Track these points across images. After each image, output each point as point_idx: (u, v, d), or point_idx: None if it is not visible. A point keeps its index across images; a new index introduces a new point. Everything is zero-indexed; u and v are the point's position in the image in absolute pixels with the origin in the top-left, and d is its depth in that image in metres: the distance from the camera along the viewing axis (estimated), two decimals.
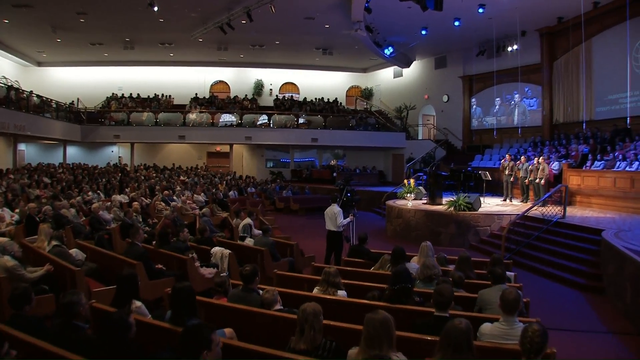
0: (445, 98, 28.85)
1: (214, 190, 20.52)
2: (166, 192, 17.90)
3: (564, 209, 12.05)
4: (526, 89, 24.11)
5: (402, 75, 32.25)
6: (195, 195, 19.10)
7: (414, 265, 6.75)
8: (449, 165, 21.30)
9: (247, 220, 11.57)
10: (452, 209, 13.44)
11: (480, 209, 13.74)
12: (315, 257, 9.92)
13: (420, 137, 30.90)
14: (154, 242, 8.46)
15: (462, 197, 13.55)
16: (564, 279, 9.55)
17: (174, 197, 17.59)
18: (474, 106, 27.26)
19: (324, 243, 9.78)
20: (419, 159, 27.02)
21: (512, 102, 24.92)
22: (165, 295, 5.22)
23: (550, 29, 21.69)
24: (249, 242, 9.41)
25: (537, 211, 11.98)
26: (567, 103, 21.30)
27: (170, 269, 7.62)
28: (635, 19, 17.92)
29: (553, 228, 11.63)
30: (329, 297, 5.18)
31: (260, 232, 11.95)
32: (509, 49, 23.66)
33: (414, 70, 31.09)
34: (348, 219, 9.41)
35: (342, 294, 5.30)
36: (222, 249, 8.20)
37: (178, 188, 19.80)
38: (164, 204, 15.99)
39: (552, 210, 12.00)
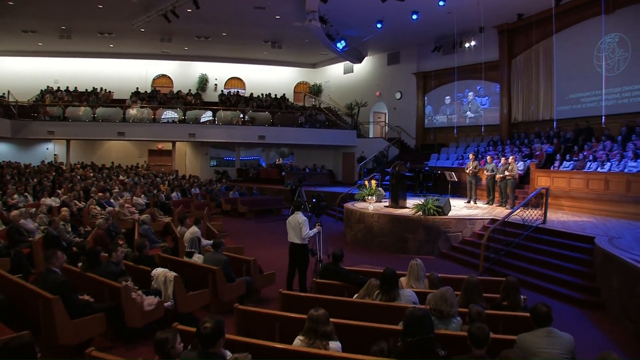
0: (398, 95, 27.92)
1: (155, 192, 18.73)
2: (101, 194, 16.01)
3: (545, 214, 11.08)
4: (478, 87, 23.47)
5: (352, 72, 31.25)
6: (134, 197, 17.29)
7: (407, 292, 5.44)
8: (405, 165, 20.24)
9: (194, 230, 9.99)
10: (420, 213, 12.25)
11: (450, 213, 12.65)
12: (276, 274, 8.51)
13: (371, 135, 29.94)
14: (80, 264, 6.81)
15: (430, 200, 12.39)
16: (556, 293, 8.50)
17: (111, 200, 15.75)
18: (426, 104, 26.47)
19: (280, 252, 8.36)
20: (371, 158, 26.04)
21: (465, 100, 24.22)
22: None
23: (510, 25, 21.02)
24: (197, 258, 7.85)
25: (517, 216, 10.92)
26: (526, 102, 20.68)
27: (101, 299, 5.99)
28: (598, 17, 17.44)
29: (533, 234, 10.63)
30: (318, 352, 3.79)
31: (209, 242, 10.46)
32: (467, 45, 22.93)
33: (365, 66, 30.09)
34: (315, 230, 7.98)
35: (334, 346, 3.88)
36: (166, 270, 6.61)
37: (116, 189, 17.91)
38: (99, 208, 14.17)
39: (531, 214, 10.98)
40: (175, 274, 6.50)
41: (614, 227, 10.86)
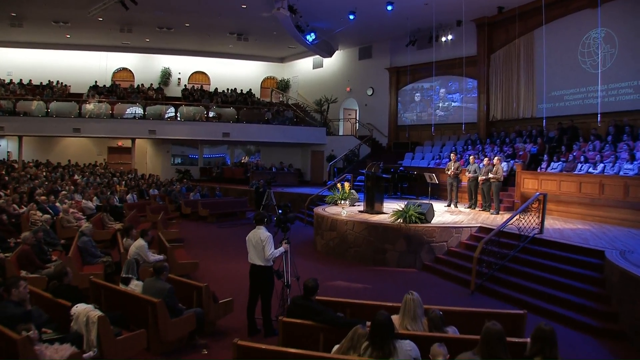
0: (369, 91, 26.66)
1: (108, 194, 16.98)
2: (43, 197, 14.17)
3: (542, 223, 9.83)
4: (449, 83, 22.54)
5: (322, 66, 29.92)
6: (84, 200, 15.55)
7: (406, 345, 4.06)
8: (379, 165, 18.93)
9: (140, 244, 8.49)
10: (400, 220, 10.91)
11: (433, 220, 11.34)
12: (237, 298, 7.03)
13: (341, 133, 28.71)
14: None
15: (412, 206, 11.05)
16: (564, 318, 7.23)
17: (57, 204, 13.97)
18: (399, 100, 25.27)
19: (244, 266, 6.80)
20: (341, 157, 24.78)
21: (436, 98, 23.16)
22: None
23: (489, 19, 19.94)
24: (135, 286, 6.30)
25: (512, 225, 9.62)
26: (506, 99, 19.62)
27: None
28: (584, 11, 16.63)
29: (530, 246, 9.39)
30: None
31: (159, 257, 8.94)
32: (443, 39, 21.73)
33: (335, 61, 28.74)
34: (281, 249, 6.51)
35: None
36: (88, 308, 5.03)
37: (63, 192, 16.07)
38: (40, 214, 12.42)
39: (526, 223, 9.70)
40: (99, 313, 4.94)
41: (616, 237, 9.73)
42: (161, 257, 9.01)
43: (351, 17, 20.54)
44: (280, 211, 6.75)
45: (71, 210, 13.53)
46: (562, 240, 9.25)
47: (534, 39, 18.36)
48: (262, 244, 6.27)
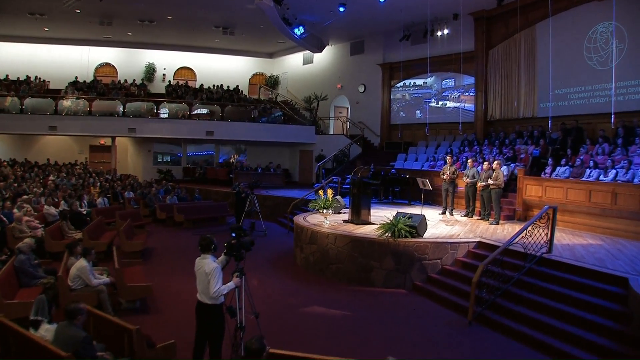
0: (361, 88, 25.39)
1: (75, 198, 15.58)
2: None
3: (551, 241, 8.50)
4: (444, 80, 21.45)
5: (312, 62, 28.70)
6: (46, 206, 14.13)
7: None
8: (369, 167, 17.66)
9: (81, 265, 7.27)
10: (388, 234, 9.59)
11: (425, 234, 10.04)
12: (187, 338, 5.71)
13: (331, 132, 27.41)
14: None
15: (402, 218, 9.73)
16: None
17: (15, 211, 12.57)
18: (392, 98, 24.00)
19: None
20: (330, 157, 23.54)
21: (434, 95, 21.94)
22: None
23: (488, 12, 18.68)
24: (46, 332, 4.94)
25: (517, 242, 8.27)
26: (505, 97, 18.38)
27: None
28: (590, 4, 15.46)
29: (537, 267, 8.09)
30: None
31: (105, 280, 7.68)
32: (439, 33, 20.56)
33: (326, 57, 27.49)
34: (231, 285, 5.09)
35: None
36: None
37: (25, 196, 14.63)
38: None
39: (533, 238, 8.34)
40: None
41: (636, 257, 8.42)
42: (107, 280, 7.71)
43: (341, 9, 19.27)
44: (233, 235, 5.38)
45: (26, 218, 12.11)
46: (574, 262, 7.90)
47: (536, 34, 17.15)
48: (207, 276, 4.93)
